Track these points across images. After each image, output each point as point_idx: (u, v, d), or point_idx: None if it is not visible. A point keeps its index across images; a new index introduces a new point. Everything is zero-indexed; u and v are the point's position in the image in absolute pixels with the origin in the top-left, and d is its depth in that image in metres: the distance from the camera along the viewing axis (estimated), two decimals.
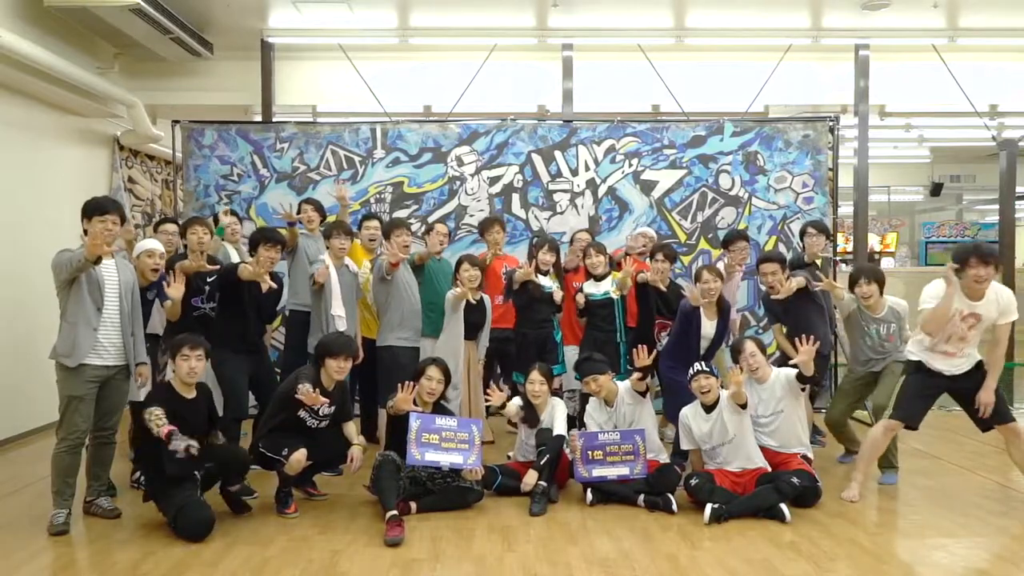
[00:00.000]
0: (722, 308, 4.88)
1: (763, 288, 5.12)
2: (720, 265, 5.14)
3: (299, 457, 3.98)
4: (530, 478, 4.24)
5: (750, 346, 4.40)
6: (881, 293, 4.72)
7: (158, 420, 3.63)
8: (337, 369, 4.14)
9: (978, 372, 4.19)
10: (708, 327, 4.84)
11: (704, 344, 4.85)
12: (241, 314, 4.52)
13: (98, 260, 3.75)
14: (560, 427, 4.38)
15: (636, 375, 4.34)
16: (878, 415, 4.68)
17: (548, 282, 5.33)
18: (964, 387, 4.22)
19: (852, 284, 4.79)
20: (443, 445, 4.13)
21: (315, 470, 4.30)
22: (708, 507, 3.92)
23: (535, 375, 4.49)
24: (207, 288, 4.62)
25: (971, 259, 4.02)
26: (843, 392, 5.03)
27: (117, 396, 4.03)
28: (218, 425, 4.10)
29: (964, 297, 4.09)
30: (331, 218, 5.95)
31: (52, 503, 3.87)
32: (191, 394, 3.91)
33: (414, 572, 3.34)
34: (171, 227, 5.03)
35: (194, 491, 3.82)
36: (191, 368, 3.85)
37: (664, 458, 4.45)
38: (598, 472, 4.25)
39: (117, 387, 4.01)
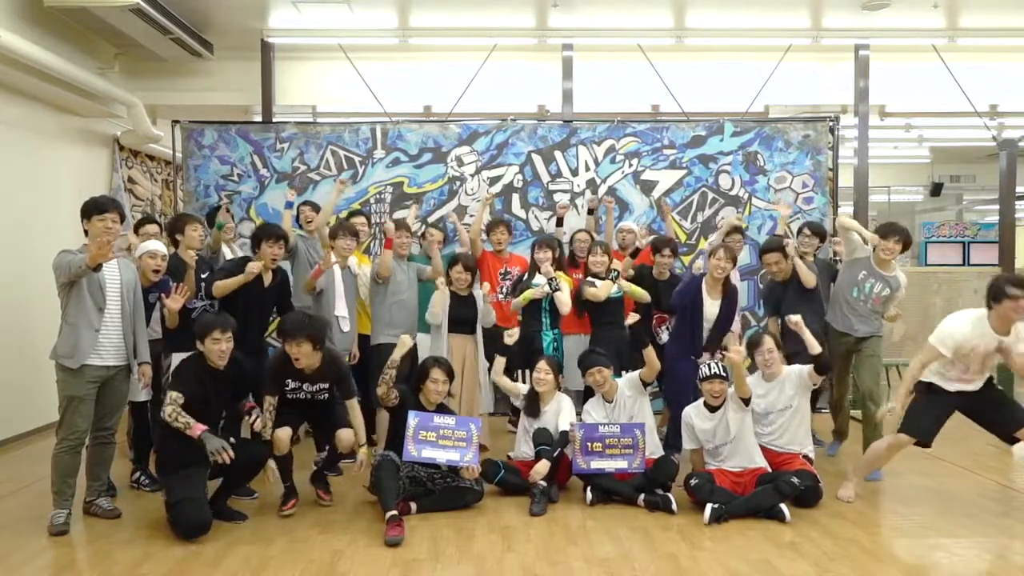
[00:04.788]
0: (727, 291, 4.90)
1: (762, 286, 5.17)
2: (700, 261, 5.18)
3: (282, 436, 4.03)
4: (542, 467, 4.21)
5: (768, 342, 4.41)
6: (896, 257, 4.81)
7: (181, 417, 3.70)
8: (295, 355, 4.04)
9: (989, 389, 4.13)
10: (711, 306, 4.86)
11: (707, 327, 4.87)
12: (241, 315, 4.51)
13: (98, 267, 3.74)
14: (565, 423, 4.40)
15: (644, 369, 4.40)
16: (866, 402, 4.79)
17: (537, 280, 5.23)
18: (976, 404, 4.14)
19: (882, 235, 4.79)
20: (440, 443, 4.14)
21: (324, 439, 4.32)
22: (708, 507, 3.92)
23: (542, 364, 4.53)
24: (202, 285, 4.63)
25: (1008, 288, 3.83)
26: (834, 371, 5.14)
27: (117, 396, 4.03)
28: (247, 395, 4.11)
29: (991, 331, 3.95)
30: (333, 219, 5.96)
31: (52, 503, 3.86)
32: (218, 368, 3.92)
33: (414, 572, 3.34)
34: (152, 228, 4.95)
35: (201, 485, 3.80)
36: (221, 351, 3.87)
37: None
38: (596, 464, 4.26)
39: (117, 387, 4.00)
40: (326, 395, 4.22)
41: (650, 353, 4.43)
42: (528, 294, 5.14)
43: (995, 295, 3.92)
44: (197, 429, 3.71)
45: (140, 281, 4.21)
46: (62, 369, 3.83)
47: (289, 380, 4.14)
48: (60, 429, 3.85)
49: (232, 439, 3.87)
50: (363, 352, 5.23)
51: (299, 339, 4.01)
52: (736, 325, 5.54)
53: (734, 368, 4.15)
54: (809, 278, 5.05)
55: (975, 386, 4.11)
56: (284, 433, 4.03)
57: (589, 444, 4.28)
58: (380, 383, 4.19)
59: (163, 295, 4.38)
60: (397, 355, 4.27)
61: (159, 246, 4.47)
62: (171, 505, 3.73)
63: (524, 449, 4.54)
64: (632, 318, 4.50)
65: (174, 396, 3.76)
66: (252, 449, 4.00)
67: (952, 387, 4.10)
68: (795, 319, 4.37)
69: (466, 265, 5.15)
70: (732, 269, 4.96)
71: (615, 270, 5.05)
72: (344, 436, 4.16)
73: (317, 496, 4.29)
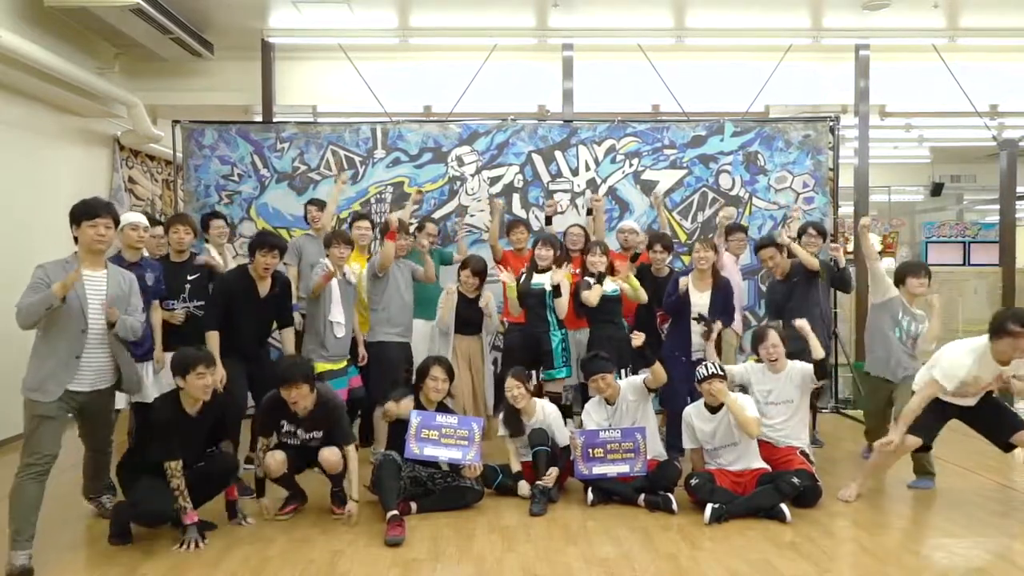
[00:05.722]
0: (717, 282, 4.90)
1: (763, 286, 5.17)
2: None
3: (272, 463, 3.92)
4: (554, 472, 4.22)
5: (773, 336, 4.41)
6: (928, 286, 4.78)
7: (184, 498, 3.59)
8: (293, 399, 3.87)
9: (986, 400, 4.18)
10: (700, 298, 4.87)
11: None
12: (236, 327, 4.45)
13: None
14: (560, 437, 4.40)
15: (649, 376, 4.35)
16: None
17: (544, 278, 5.17)
18: (973, 414, 4.21)
19: (904, 275, 4.76)
20: (442, 441, 4.14)
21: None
22: (708, 507, 3.92)
23: (510, 381, 4.42)
24: (188, 287, 4.61)
25: (1008, 324, 3.84)
26: (867, 402, 5.17)
27: (102, 415, 3.70)
28: (228, 436, 3.95)
29: (994, 362, 3.97)
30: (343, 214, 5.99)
31: (8, 544, 3.31)
32: (196, 410, 3.71)
33: (414, 572, 3.34)
34: (157, 229, 4.94)
35: (166, 486, 3.59)
36: (206, 385, 3.64)
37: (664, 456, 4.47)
38: (599, 470, 4.25)
39: (101, 407, 3.64)
40: (318, 443, 4.05)
41: (658, 368, 4.37)
42: (511, 287, 5.11)
43: (995, 330, 3.94)
44: (189, 518, 3.59)
45: (125, 256, 4.12)
46: (31, 401, 3.37)
47: (284, 422, 4.01)
48: (24, 451, 3.36)
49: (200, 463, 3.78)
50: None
51: (297, 382, 3.83)
52: (737, 325, 5.54)
53: (731, 411, 4.14)
54: (811, 260, 5.09)
55: (972, 402, 4.19)
56: (273, 459, 3.93)
57: (591, 451, 4.27)
58: (382, 416, 4.17)
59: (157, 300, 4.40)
60: (391, 411, 4.19)
61: (140, 218, 4.41)
62: (129, 503, 3.64)
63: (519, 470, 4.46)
64: (638, 339, 4.40)
65: (174, 466, 3.55)
66: (219, 463, 3.85)
67: (948, 399, 4.17)
68: (800, 323, 4.38)
69: (474, 270, 5.18)
70: (715, 258, 4.95)
71: (602, 273, 5.01)
72: (328, 456, 3.97)
73: (331, 510, 4.11)
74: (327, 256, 4.94)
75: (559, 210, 6.26)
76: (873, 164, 7.90)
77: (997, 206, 9.14)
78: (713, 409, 4.24)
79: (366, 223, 5.59)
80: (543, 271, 5.17)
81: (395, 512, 3.78)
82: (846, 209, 8.86)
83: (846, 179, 7.92)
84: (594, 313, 5.12)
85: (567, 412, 5.24)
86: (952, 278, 8.12)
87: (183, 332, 4.47)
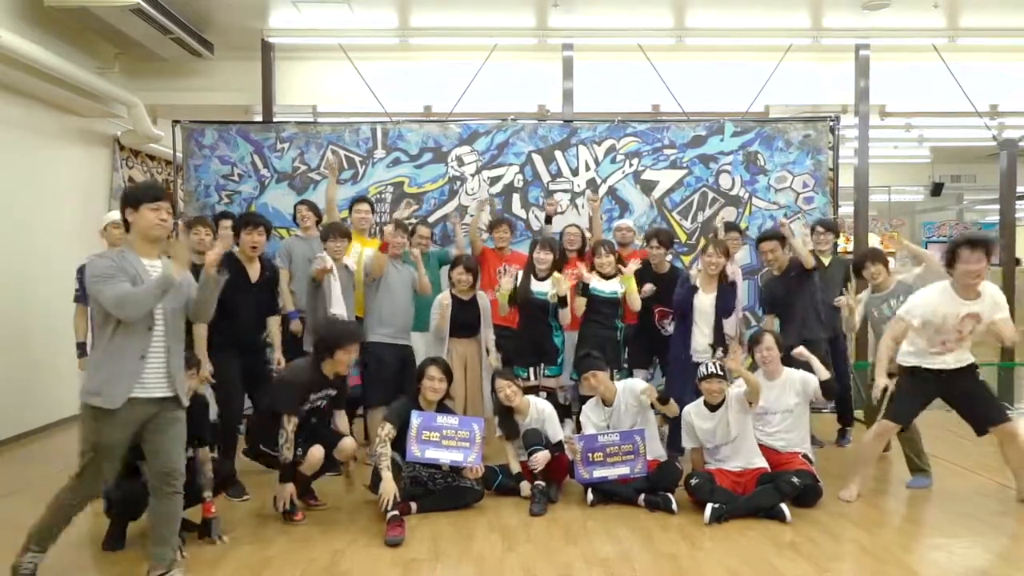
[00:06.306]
0: (723, 285, 4.91)
1: (761, 283, 5.17)
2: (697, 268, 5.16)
3: (317, 456, 3.96)
4: (542, 456, 4.21)
5: (768, 340, 4.42)
6: (887, 271, 4.86)
7: None
8: (348, 361, 4.08)
9: (970, 373, 4.13)
10: (704, 300, 4.88)
11: (703, 320, 4.88)
12: (230, 316, 4.44)
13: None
14: (555, 432, 4.40)
15: (653, 393, 4.33)
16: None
17: (545, 287, 5.11)
18: (957, 388, 4.15)
19: (858, 271, 4.92)
20: (443, 443, 4.14)
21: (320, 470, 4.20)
22: (708, 507, 3.92)
23: (499, 383, 4.43)
24: None
25: (960, 250, 3.84)
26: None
27: (174, 437, 3.11)
28: (207, 441, 3.82)
29: (957, 297, 3.98)
30: (342, 214, 5.98)
31: (23, 544, 3.10)
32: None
33: (414, 572, 3.34)
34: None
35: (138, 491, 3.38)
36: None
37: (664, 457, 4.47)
38: (599, 473, 4.25)
39: (170, 426, 3.09)
40: (326, 402, 4.15)
41: (672, 406, 4.36)
42: (504, 291, 5.06)
43: (949, 260, 3.92)
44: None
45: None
46: (92, 410, 2.96)
47: (311, 394, 4.04)
48: (77, 477, 3.07)
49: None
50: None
51: (360, 340, 4.10)
52: (733, 326, 5.53)
53: (740, 376, 4.18)
54: (807, 258, 5.06)
55: (955, 362, 4.07)
56: (318, 451, 3.96)
57: (590, 455, 4.27)
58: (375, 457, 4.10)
59: None
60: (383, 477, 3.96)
61: None
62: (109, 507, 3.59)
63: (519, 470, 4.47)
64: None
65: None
66: (194, 480, 3.65)
67: (933, 364, 4.09)
68: (800, 351, 4.42)
69: (467, 267, 5.14)
70: (725, 263, 4.93)
71: (585, 284, 5.01)
72: (347, 444, 4.12)
73: (307, 505, 4.16)
74: (324, 250, 4.95)
75: (559, 210, 6.25)
76: (873, 164, 7.91)
77: (997, 206, 9.13)
78: (713, 407, 4.24)
79: (365, 206, 5.62)
80: (543, 278, 5.12)
81: (395, 512, 3.78)
82: (846, 209, 8.86)
83: (846, 179, 7.91)
84: (588, 313, 5.12)
85: (566, 412, 5.25)
86: None
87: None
